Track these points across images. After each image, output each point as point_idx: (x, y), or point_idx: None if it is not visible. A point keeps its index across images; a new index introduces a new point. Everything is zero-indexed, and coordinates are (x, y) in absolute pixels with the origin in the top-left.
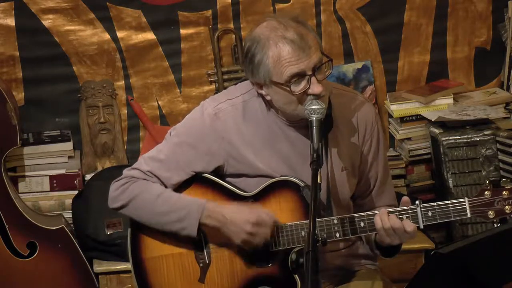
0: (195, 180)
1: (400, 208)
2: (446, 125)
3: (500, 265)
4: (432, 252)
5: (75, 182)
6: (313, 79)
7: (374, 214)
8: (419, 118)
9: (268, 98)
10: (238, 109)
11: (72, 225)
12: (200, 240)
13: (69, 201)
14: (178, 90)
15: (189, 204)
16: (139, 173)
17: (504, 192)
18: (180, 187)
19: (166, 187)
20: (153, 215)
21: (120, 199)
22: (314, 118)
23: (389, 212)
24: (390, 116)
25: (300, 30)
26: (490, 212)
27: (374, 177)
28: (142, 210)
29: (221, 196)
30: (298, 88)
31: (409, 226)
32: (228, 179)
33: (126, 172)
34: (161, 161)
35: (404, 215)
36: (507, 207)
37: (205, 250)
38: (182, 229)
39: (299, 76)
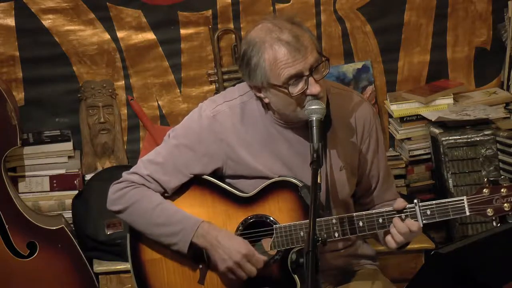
0: (194, 182)
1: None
2: (446, 125)
3: (500, 265)
4: (432, 252)
5: (75, 182)
6: (310, 79)
7: (372, 213)
8: (419, 118)
9: (266, 100)
10: (236, 111)
11: (72, 225)
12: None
13: (69, 201)
14: (178, 90)
15: (185, 220)
16: (139, 177)
17: (502, 190)
18: (179, 189)
19: (165, 190)
20: (148, 225)
21: (119, 203)
22: (314, 118)
23: (388, 213)
24: (390, 116)
25: (295, 31)
26: (488, 210)
27: (376, 175)
28: (138, 218)
29: (220, 197)
30: (296, 89)
31: (413, 225)
32: (227, 180)
33: (125, 176)
34: (159, 164)
35: (403, 215)
36: (505, 204)
37: (204, 251)
38: (175, 243)
39: (297, 77)
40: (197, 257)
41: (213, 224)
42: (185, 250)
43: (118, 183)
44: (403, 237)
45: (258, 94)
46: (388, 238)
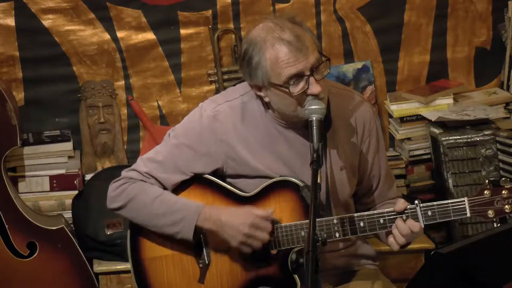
0: (195, 181)
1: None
2: (446, 125)
3: (500, 265)
4: (432, 252)
5: (75, 182)
6: (311, 79)
7: (373, 214)
8: (419, 118)
9: (266, 100)
10: (236, 111)
11: (72, 225)
12: (200, 240)
13: (69, 201)
14: (178, 90)
15: (186, 207)
16: (137, 174)
17: (503, 192)
18: (179, 188)
19: (164, 187)
20: (150, 217)
21: (118, 200)
22: (314, 118)
23: (389, 214)
24: (390, 116)
25: (297, 30)
26: (489, 211)
27: (377, 175)
28: (139, 211)
29: (221, 197)
30: (296, 89)
31: (415, 227)
32: (228, 179)
33: (124, 173)
34: (159, 163)
35: (404, 216)
36: (506, 206)
37: (204, 250)
38: (178, 232)
39: (297, 77)
40: (200, 246)
41: (214, 206)
42: (190, 237)
43: (117, 181)
44: (405, 239)
45: (259, 93)
46: (390, 239)
